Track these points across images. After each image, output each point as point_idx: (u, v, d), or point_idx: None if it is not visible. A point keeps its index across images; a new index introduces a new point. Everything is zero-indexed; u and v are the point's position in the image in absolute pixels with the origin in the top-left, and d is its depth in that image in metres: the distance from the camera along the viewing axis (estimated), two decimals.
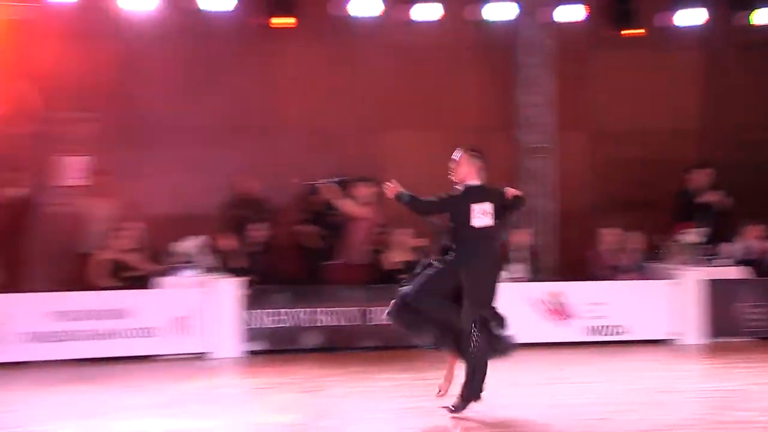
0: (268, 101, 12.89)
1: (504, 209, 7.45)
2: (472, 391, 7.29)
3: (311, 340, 10.60)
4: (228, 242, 11.11)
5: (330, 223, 11.37)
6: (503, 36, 13.18)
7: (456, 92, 13.24)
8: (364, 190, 11.09)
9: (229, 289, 10.44)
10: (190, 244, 10.84)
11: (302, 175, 11.57)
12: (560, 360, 10.13)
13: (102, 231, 11.10)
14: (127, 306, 10.18)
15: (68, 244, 11.57)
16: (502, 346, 7.42)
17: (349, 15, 12.51)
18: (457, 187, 7.41)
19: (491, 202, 7.35)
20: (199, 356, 10.29)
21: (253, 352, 10.39)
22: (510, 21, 12.91)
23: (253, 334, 10.44)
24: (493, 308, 7.41)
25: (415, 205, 7.47)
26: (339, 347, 10.57)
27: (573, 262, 12.49)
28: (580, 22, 12.95)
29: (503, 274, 7.90)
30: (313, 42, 12.79)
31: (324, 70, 12.92)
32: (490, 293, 7.33)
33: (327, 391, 8.53)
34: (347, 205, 10.87)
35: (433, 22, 12.68)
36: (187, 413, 7.58)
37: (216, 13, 12.16)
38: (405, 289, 7.43)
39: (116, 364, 9.88)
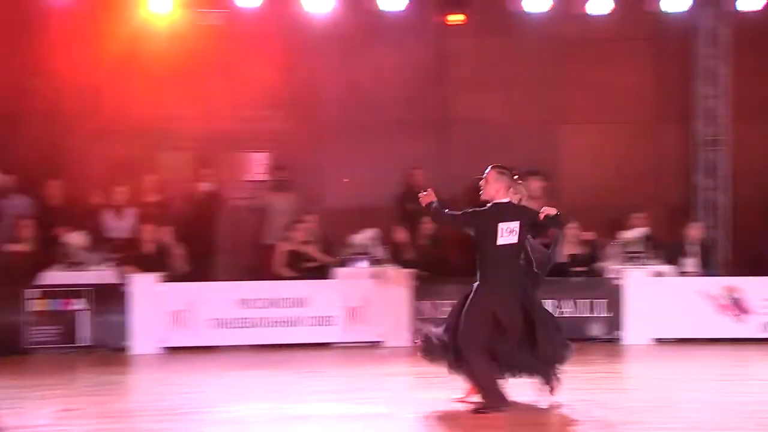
0: (440, 96, 13.02)
1: (535, 228, 7.30)
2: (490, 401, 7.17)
3: None
4: (400, 235, 11.32)
5: None
6: (679, 27, 12.79)
7: (629, 84, 12.95)
8: (534, 184, 11.02)
9: (401, 280, 10.63)
10: (364, 236, 11.11)
11: (474, 170, 11.61)
12: (735, 356, 9.79)
13: (283, 223, 11.52)
14: (305, 295, 10.54)
15: (252, 235, 12.10)
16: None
17: (520, 10, 12.47)
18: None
19: (519, 220, 7.20)
20: (372, 345, 10.54)
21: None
22: (686, 11, 12.51)
23: (425, 324, 10.56)
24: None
25: (438, 218, 7.49)
26: None
27: (750, 256, 12.01)
28: (759, 11, 12.39)
29: (537, 284, 7.44)
30: (484, 37, 12.80)
31: (495, 64, 12.92)
32: (515, 312, 7.15)
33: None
34: (518, 199, 10.83)
35: (606, 14, 12.46)
36: (362, 399, 7.79)
37: (389, 12, 12.38)
38: (438, 329, 7.42)
39: (295, 350, 10.25)
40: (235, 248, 12.21)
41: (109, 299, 9.97)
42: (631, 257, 11.02)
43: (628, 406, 7.47)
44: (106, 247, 10.78)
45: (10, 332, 9.56)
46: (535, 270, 7.33)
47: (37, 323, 9.76)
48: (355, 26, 12.40)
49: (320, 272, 10.91)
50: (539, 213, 7.22)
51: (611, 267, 10.96)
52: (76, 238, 10.38)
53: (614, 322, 10.60)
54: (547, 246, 7.64)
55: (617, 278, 10.69)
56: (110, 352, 9.92)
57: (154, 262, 10.33)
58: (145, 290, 10.02)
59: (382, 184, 12.42)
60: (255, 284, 10.59)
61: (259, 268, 11.49)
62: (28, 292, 9.79)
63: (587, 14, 12.49)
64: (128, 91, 12.14)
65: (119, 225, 11.27)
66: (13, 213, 10.93)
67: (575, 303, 10.65)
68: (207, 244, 11.58)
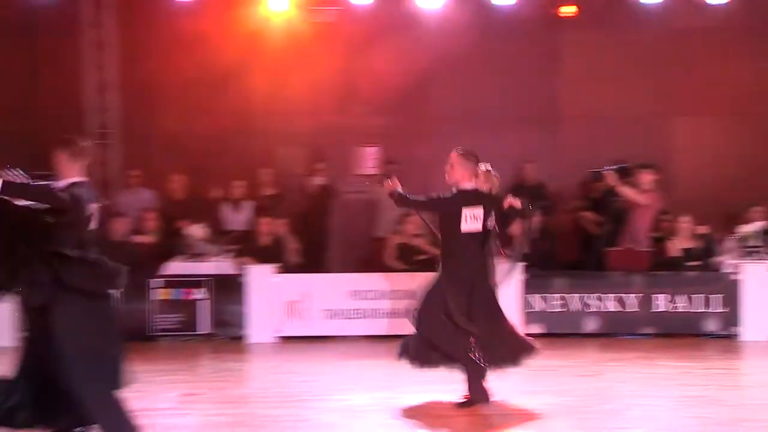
0: (551, 90, 12.90)
1: (501, 218, 7.08)
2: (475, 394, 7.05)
3: (591, 325, 10.55)
4: (510, 228, 11.25)
5: (611, 209, 11.22)
6: None
7: (746, 75, 12.55)
8: (646, 177, 10.83)
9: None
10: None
11: (585, 163, 11.51)
12: None
13: (393, 217, 11.61)
14: (415, 287, 10.58)
15: (363, 228, 12.25)
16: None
17: (634, 1, 12.24)
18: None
19: (483, 207, 6.98)
20: None
21: (532, 335, 10.46)
22: None
23: (533, 317, 10.53)
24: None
25: (402, 202, 7.23)
26: (619, 333, 10.44)
27: None
28: None
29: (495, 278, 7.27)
30: (596, 30, 12.62)
31: (608, 57, 12.72)
32: (464, 299, 6.97)
33: (606, 376, 8.48)
34: (629, 192, 10.67)
35: (723, 3, 12.11)
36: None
37: (501, 6, 12.33)
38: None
39: None
40: (347, 241, 12.37)
41: (228, 289, 10.26)
42: (749, 251, 10.71)
43: (743, 404, 7.30)
44: (224, 239, 11.08)
45: (137, 320, 9.93)
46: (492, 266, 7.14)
47: (161, 311, 10.12)
48: (466, 21, 12.38)
49: (430, 265, 10.95)
50: (504, 201, 7.03)
51: (728, 261, 10.67)
52: (196, 230, 10.71)
53: (731, 318, 10.33)
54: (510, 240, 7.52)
55: (734, 273, 10.40)
56: (228, 340, 10.20)
57: (270, 254, 10.57)
58: (262, 281, 10.27)
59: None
60: (366, 276, 10.72)
61: (370, 261, 11.61)
62: (153, 282, 10.15)
63: (703, 4, 12.17)
64: (246, 88, 12.46)
65: (237, 218, 11.56)
66: (139, 206, 11.35)
67: (690, 298, 10.42)
68: (320, 236, 11.76)
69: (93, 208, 5.76)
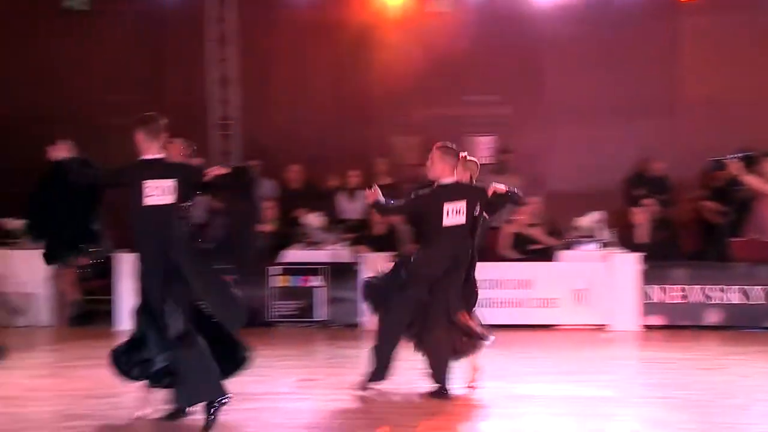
0: (673, 77, 12.52)
1: (489, 207, 6.95)
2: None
3: (712, 317, 10.20)
4: (628, 218, 11.01)
5: (734, 199, 10.82)
6: None
7: None
8: None
9: (628, 264, 10.35)
10: (590, 219, 10.89)
11: (706, 151, 11.15)
12: None
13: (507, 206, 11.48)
14: (530, 277, 10.47)
15: None
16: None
17: None
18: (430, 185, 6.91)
19: (465, 199, 6.80)
20: (597, 328, 10.33)
21: (651, 327, 10.23)
22: None
23: (651, 308, 10.26)
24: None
25: (383, 210, 7.07)
26: (742, 326, 10.07)
27: None
28: None
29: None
30: (720, 14, 12.17)
31: (732, 42, 12.27)
32: (454, 290, 6.87)
33: (730, 369, 8.18)
34: (754, 181, 10.27)
35: None
36: (585, 381, 7.66)
37: None
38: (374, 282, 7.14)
39: (519, 331, 10.22)
40: None
41: (343, 277, 10.33)
42: None
43: None
44: (340, 227, 11.17)
45: (257, 306, 10.10)
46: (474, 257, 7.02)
47: (279, 298, 10.27)
48: (586, 9, 12.15)
49: (545, 254, 10.80)
50: (488, 190, 6.87)
51: None
52: (313, 219, 10.83)
53: None
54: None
55: None
56: (343, 327, 10.27)
57: (385, 243, 10.59)
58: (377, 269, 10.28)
59: (610, 167, 12.11)
60: (481, 265, 10.59)
61: (484, 250, 11.50)
62: (272, 269, 10.31)
63: None
64: (363, 78, 12.55)
65: (352, 207, 11.64)
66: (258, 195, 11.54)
67: None
68: None
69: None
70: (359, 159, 12.18)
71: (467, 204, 6.84)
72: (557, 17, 12.26)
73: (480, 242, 7.20)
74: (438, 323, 6.95)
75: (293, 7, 12.52)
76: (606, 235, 10.83)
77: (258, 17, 12.58)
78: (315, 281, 10.33)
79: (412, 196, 7.11)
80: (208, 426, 6.05)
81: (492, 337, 7.27)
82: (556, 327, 10.44)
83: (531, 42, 12.40)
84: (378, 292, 7.23)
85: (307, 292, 10.30)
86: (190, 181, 6.21)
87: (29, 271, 9.94)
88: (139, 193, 6.09)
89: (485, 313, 10.26)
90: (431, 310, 6.96)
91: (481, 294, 10.30)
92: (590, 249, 10.67)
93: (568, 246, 10.80)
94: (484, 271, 10.36)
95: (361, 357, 9.08)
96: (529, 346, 9.41)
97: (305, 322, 10.29)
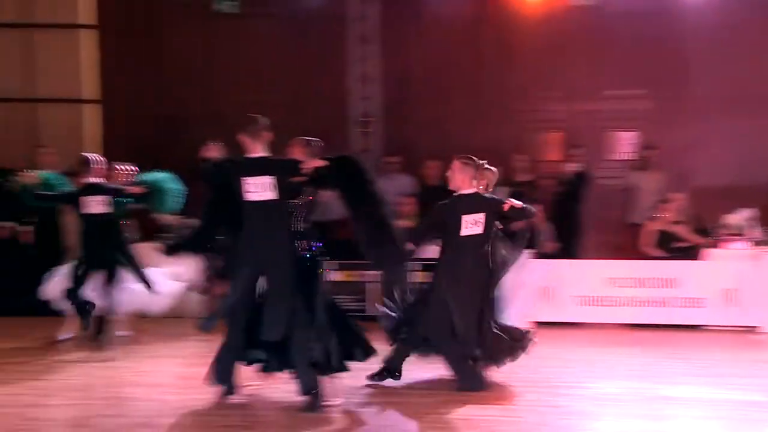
0: None
1: (503, 220, 7.12)
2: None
3: None
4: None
5: None
6: None
7: None
8: None
9: None
10: (740, 217, 10.45)
11: None
12: None
13: (649, 203, 11.16)
14: (674, 276, 10.15)
15: (618, 214, 11.86)
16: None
17: None
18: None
19: (484, 212, 6.97)
20: (748, 329, 9.90)
21: None
22: None
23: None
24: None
25: (417, 242, 7.09)
26: None
27: None
28: None
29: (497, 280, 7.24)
30: None
31: None
32: (472, 300, 6.95)
33: None
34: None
35: None
36: (733, 385, 7.36)
37: None
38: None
39: (662, 330, 9.92)
40: (602, 227, 12.03)
41: None
42: None
43: None
44: None
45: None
46: (495, 266, 7.14)
47: None
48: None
49: (690, 253, 10.44)
50: (504, 204, 7.04)
51: None
52: None
53: None
54: (512, 237, 7.42)
55: None
56: None
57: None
58: (515, 266, 10.17)
59: (761, 161, 11.59)
60: (623, 263, 10.37)
61: (625, 247, 11.23)
62: (410, 265, 10.30)
63: None
64: (503, 74, 12.46)
65: None
66: (398, 191, 11.62)
67: None
68: (574, 222, 11.50)
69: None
70: (498, 155, 12.06)
71: (486, 216, 7.03)
72: (703, 5, 11.82)
73: (495, 252, 7.25)
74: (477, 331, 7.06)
75: (434, 4, 12.55)
76: (757, 233, 10.36)
77: (399, 15, 12.66)
78: None
79: (428, 216, 7.32)
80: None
81: (533, 340, 7.36)
82: (702, 328, 10.07)
83: (675, 33, 11.99)
84: (397, 322, 7.32)
85: None
86: (287, 177, 6.44)
87: (183, 263, 10.31)
88: (240, 190, 6.41)
89: (629, 313, 10.12)
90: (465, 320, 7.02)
91: (623, 292, 10.22)
92: (740, 247, 10.24)
93: (715, 244, 10.39)
94: (625, 269, 10.23)
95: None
96: (674, 346, 9.13)
97: None
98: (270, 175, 6.43)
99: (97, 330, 9.10)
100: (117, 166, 9.57)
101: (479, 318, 7.04)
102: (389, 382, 7.27)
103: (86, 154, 9.57)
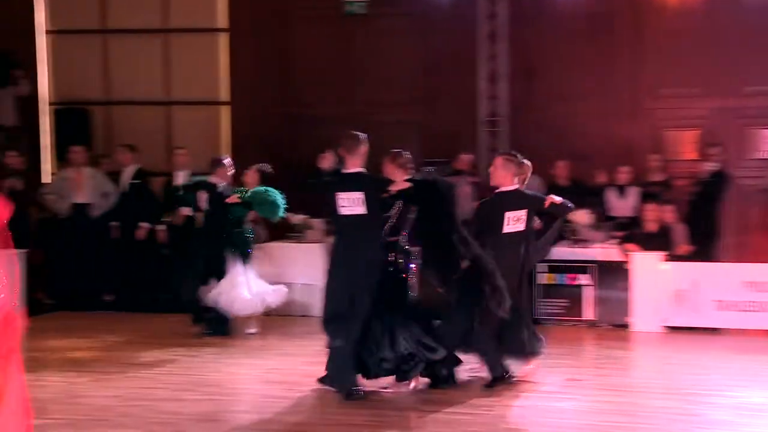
0: None
1: (542, 216, 7.16)
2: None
3: None
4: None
5: None
6: None
7: None
8: None
9: None
10: None
11: None
12: None
13: None
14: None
15: (760, 216, 11.37)
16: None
17: None
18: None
19: (526, 209, 7.05)
20: None
21: None
22: None
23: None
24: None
25: (472, 252, 6.87)
26: None
27: None
28: None
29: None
30: None
31: None
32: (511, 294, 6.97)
33: None
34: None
35: None
36: None
37: None
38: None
39: None
40: (742, 229, 11.55)
41: (612, 276, 10.02)
42: None
43: None
44: (609, 225, 10.83)
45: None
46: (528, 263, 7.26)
47: (546, 296, 10.13)
48: None
49: None
50: (545, 200, 7.14)
51: None
52: (581, 216, 10.57)
53: None
54: (541, 234, 7.42)
55: None
56: (611, 327, 9.96)
57: (657, 241, 10.15)
58: (648, 269, 9.90)
59: None
60: (764, 266, 9.92)
61: (766, 250, 10.74)
62: (538, 266, 10.18)
63: None
64: (634, 70, 12.16)
65: (623, 204, 11.27)
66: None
67: None
68: (711, 224, 11.09)
69: None
70: (630, 154, 11.78)
71: (528, 213, 7.11)
72: None
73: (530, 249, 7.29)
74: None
75: (563, 2, 12.33)
76: None
77: (528, 12, 12.51)
78: (583, 280, 10.09)
79: (473, 217, 7.32)
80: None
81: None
82: None
83: None
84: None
85: (574, 291, 10.08)
86: (378, 194, 6.81)
87: (310, 263, 10.47)
88: (335, 203, 6.82)
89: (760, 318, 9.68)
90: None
91: (765, 297, 9.75)
92: None
93: None
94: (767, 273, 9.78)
95: (629, 359, 8.81)
96: None
97: (572, 321, 10.08)
98: (361, 191, 6.78)
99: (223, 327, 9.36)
100: (253, 168, 9.78)
101: (515, 314, 7.10)
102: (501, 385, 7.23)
103: (219, 155, 9.88)
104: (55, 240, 11.54)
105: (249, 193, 9.15)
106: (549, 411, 6.62)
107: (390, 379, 7.05)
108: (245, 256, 9.26)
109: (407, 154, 7.07)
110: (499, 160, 7.26)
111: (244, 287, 9.14)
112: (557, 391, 7.22)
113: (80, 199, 11.38)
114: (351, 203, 6.79)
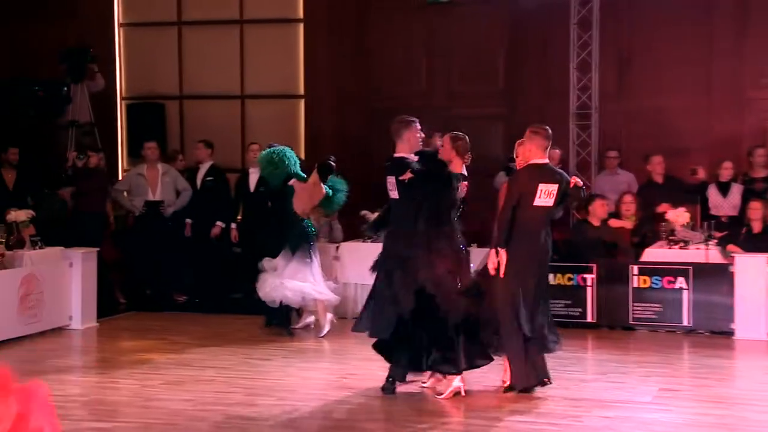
0: None
1: (564, 195, 7.14)
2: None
3: None
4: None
5: None
6: None
7: None
8: None
9: None
10: None
11: None
12: None
13: None
14: None
15: None
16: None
17: None
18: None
19: (558, 184, 7.06)
20: None
21: None
22: None
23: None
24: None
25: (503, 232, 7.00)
26: None
27: None
28: None
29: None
30: None
31: None
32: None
33: None
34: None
35: None
36: None
37: None
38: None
39: None
40: None
41: (712, 280, 9.75)
42: None
43: None
44: (709, 225, 10.57)
45: (617, 307, 9.86)
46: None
47: (639, 300, 9.93)
48: None
49: None
50: (570, 180, 7.14)
51: None
52: (679, 216, 10.35)
53: None
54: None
55: None
56: (711, 334, 9.71)
57: (762, 242, 9.86)
58: (753, 272, 9.61)
59: None
60: None
61: None
62: (632, 269, 9.99)
63: None
64: (729, 59, 11.87)
65: (724, 202, 11.00)
66: (617, 189, 11.29)
67: None
68: None
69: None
70: (732, 149, 11.48)
71: (558, 188, 7.09)
72: None
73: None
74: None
75: None
76: None
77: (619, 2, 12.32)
78: (679, 283, 9.85)
79: (509, 190, 7.22)
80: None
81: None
82: None
83: None
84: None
85: (670, 295, 9.85)
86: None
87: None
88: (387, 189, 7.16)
89: None
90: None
91: None
92: None
93: None
94: None
95: (730, 368, 8.57)
96: None
97: (667, 327, 9.86)
98: (392, 175, 7.13)
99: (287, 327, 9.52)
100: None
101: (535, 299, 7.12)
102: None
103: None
104: (128, 239, 11.79)
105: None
106: (642, 423, 6.48)
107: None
108: (304, 250, 9.37)
109: (465, 136, 7.22)
110: (527, 133, 7.27)
111: (298, 281, 9.27)
112: (650, 402, 7.07)
113: (153, 196, 11.58)
114: (391, 187, 7.19)
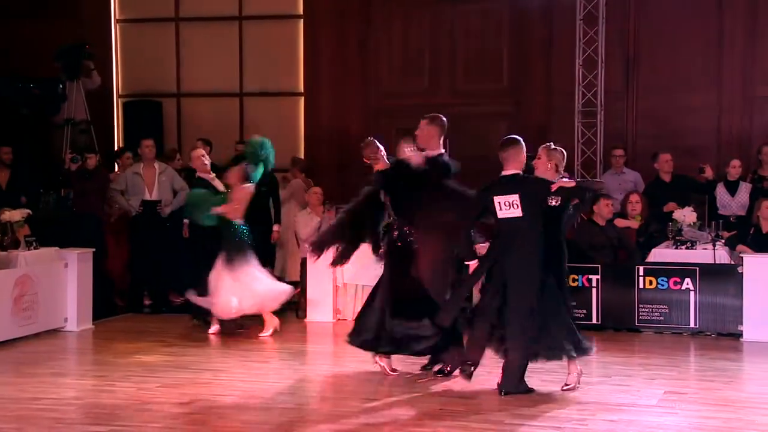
0: None
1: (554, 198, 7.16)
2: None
3: None
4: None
5: None
6: None
7: None
8: None
9: None
10: None
11: None
12: None
13: None
14: None
15: None
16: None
17: None
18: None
19: (517, 193, 7.16)
20: None
21: None
22: None
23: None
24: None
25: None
26: None
27: None
28: None
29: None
30: None
31: None
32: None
33: None
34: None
35: None
36: None
37: None
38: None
39: None
40: None
41: (720, 281, 9.77)
42: None
43: None
44: (717, 224, 10.59)
45: (622, 309, 9.88)
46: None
47: (646, 301, 9.95)
48: None
49: None
50: (550, 184, 7.11)
51: None
52: (686, 215, 10.37)
53: None
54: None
55: None
56: (718, 336, 9.73)
57: None
58: (762, 272, 9.62)
59: None
60: None
61: None
62: (638, 270, 10.01)
63: None
64: (739, 56, 11.90)
65: (732, 201, 11.02)
66: (624, 188, 11.31)
67: None
68: None
69: None
70: (741, 147, 11.50)
71: (520, 197, 7.15)
72: None
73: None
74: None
75: None
76: None
77: None
78: (686, 284, 9.87)
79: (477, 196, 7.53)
80: None
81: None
82: None
83: None
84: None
85: (676, 296, 9.86)
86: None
87: None
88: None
89: None
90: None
91: None
92: None
93: None
94: None
95: (738, 371, 8.58)
96: None
97: (674, 329, 9.88)
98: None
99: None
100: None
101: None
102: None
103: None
104: (125, 239, 11.80)
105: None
106: (648, 427, 6.50)
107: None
108: (239, 254, 9.45)
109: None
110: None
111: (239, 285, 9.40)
112: (656, 405, 7.08)
113: (150, 196, 11.58)
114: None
